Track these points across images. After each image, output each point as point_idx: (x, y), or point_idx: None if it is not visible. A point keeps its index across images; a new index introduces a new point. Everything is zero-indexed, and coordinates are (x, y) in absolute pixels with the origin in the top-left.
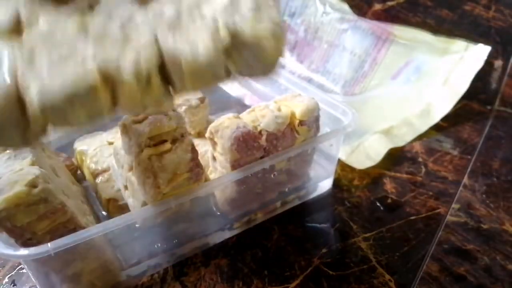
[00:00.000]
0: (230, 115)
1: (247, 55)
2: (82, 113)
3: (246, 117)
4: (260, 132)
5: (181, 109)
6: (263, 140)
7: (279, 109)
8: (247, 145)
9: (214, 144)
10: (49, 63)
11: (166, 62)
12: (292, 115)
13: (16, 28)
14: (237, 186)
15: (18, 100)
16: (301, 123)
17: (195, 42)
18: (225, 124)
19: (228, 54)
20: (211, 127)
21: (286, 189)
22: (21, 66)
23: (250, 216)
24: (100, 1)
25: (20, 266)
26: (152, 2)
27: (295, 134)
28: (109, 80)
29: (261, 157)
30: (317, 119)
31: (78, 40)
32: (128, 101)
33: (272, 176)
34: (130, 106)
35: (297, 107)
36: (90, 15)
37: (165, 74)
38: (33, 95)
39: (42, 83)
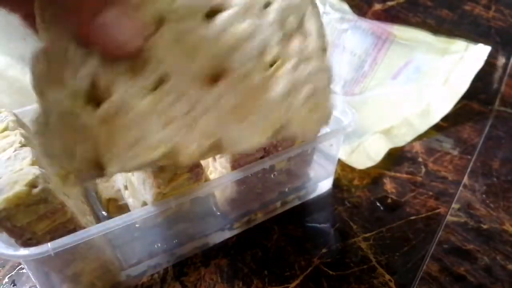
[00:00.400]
0: None
1: (291, 137)
2: (144, 168)
3: None
4: None
5: None
6: None
7: None
8: None
9: None
10: (126, 145)
11: (222, 145)
12: None
13: (92, 93)
14: (237, 186)
15: (95, 165)
16: None
17: (249, 139)
18: None
19: (274, 136)
20: None
21: (286, 189)
22: (101, 139)
23: (250, 216)
24: (170, 78)
25: (20, 266)
26: (218, 84)
27: None
28: (172, 155)
29: (261, 157)
30: None
31: (150, 121)
32: (185, 163)
33: (272, 176)
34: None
35: None
36: (160, 92)
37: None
38: (112, 171)
39: (121, 164)
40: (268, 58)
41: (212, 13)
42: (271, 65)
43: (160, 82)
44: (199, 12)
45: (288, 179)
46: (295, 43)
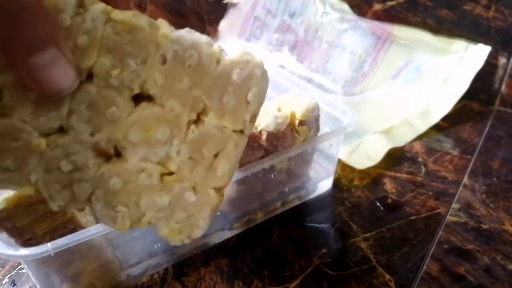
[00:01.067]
0: None
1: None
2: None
3: None
4: (260, 132)
5: None
6: (263, 140)
7: (279, 109)
8: (247, 145)
9: None
10: (3, 168)
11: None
12: (293, 115)
13: None
14: (237, 186)
15: None
16: (301, 123)
17: (107, 223)
18: None
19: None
20: None
21: (286, 189)
22: None
23: (250, 216)
24: (68, 134)
25: (20, 266)
26: (109, 163)
27: (295, 134)
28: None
29: (261, 157)
30: (317, 119)
31: (31, 159)
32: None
33: (272, 176)
34: None
35: (298, 107)
36: (53, 139)
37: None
38: None
39: None
40: (167, 169)
41: (140, 96)
42: (166, 174)
43: (57, 131)
44: (127, 90)
45: (288, 179)
46: (198, 171)
